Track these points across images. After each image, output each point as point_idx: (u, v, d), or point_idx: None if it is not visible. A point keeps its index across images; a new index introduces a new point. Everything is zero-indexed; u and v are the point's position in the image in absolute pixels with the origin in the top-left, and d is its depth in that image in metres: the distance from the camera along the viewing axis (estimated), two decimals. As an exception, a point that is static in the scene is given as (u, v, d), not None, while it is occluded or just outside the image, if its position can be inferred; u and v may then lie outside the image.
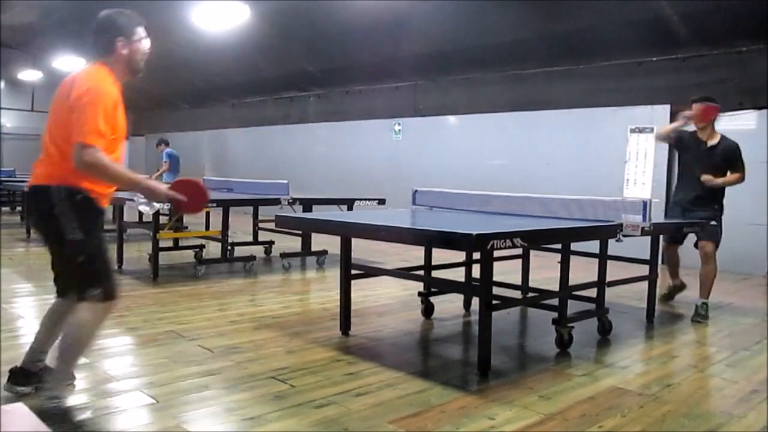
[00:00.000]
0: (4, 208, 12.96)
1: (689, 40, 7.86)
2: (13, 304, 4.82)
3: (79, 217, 2.67)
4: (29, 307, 4.87)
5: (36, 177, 2.75)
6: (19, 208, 12.24)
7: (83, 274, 2.70)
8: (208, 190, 3.11)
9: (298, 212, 6.23)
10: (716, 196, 5.15)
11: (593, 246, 4.26)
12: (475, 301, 4.40)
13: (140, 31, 2.83)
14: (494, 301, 3.66)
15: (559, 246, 4.11)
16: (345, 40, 10.70)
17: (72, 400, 2.91)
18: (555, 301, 4.06)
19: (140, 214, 7.52)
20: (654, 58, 8.38)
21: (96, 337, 2.84)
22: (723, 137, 5.20)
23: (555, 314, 4.02)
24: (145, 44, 2.86)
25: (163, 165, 11.43)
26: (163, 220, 6.43)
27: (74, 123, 2.58)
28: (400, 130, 11.37)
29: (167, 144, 11.91)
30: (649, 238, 4.67)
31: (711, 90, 7.80)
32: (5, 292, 5.24)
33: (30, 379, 2.89)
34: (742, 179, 5.16)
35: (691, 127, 5.29)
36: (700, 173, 5.06)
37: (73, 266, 2.72)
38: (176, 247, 7.29)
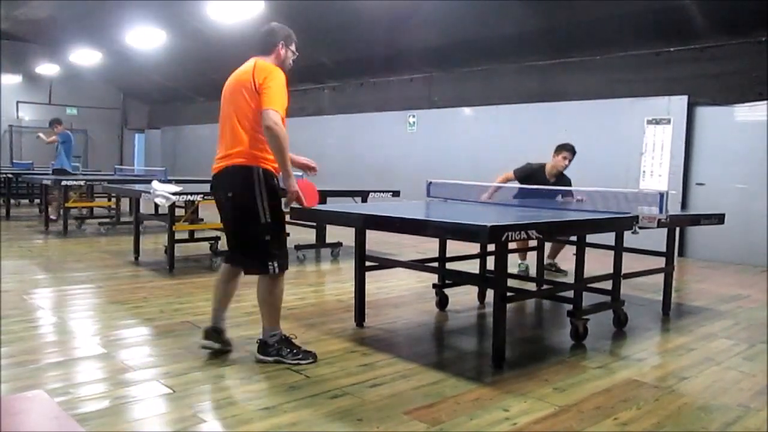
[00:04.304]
0: (22, 201, 13.11)
1: (708, 29, 7.75)
2: (32, 295, 4.89)
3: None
4: (47, 298, 4.93)
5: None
6: (37, 201, 12.34)
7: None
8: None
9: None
10: None
11: (609, 238, 4.23)
12: (490, 293, 4.39)
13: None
14: (509, 293, 3.65)
15: (574, 238, 4.09)
16: (359, 32, 10.67)
17: (90, 389, 2.96)
18: (570, 293, 4.05)
19: (156, 206, 7.58)
20: (672, 48, 8.27)
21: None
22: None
23: (570, 306, 4.01)
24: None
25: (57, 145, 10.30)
26: (179, 212, 6.47)
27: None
28: (414, 122, 11.34)
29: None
30: (665, 230, 4.63)
31: (730, 80, 7.72)
32: (25, 283, 5.32)
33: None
34: None
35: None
36: None
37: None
38: (192, 239, 7.34)
